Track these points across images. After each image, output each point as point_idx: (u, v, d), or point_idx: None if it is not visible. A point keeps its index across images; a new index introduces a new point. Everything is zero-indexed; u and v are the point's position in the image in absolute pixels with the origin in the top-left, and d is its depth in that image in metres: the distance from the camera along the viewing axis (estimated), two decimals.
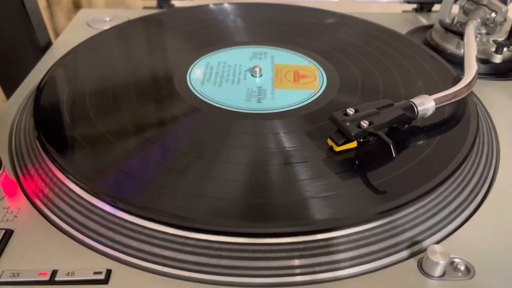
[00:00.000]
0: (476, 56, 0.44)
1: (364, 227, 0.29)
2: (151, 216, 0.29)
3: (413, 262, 0.29)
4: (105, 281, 0.27)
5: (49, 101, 0.41)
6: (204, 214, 0.29)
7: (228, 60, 0.49)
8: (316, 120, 0.39)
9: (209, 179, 0.32)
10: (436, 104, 0.36)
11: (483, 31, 0.52)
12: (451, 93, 0.38)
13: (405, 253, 0.30)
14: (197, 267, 0.28)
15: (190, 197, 0.31)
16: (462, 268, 0.28)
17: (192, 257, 0.28)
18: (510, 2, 0.52)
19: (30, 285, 0.27)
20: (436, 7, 0.68)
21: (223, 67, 0.47)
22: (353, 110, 0.35)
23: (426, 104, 0.36)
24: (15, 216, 0.32)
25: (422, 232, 0.31)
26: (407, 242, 0.30)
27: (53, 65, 0.47)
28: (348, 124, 0.34)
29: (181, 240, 0.29)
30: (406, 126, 0.37)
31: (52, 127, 0.37)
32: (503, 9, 0.49)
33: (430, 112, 0.36)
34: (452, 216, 0.32)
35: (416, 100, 0.36)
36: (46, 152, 0.34)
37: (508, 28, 0.49)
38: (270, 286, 0.28)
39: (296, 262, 0.28)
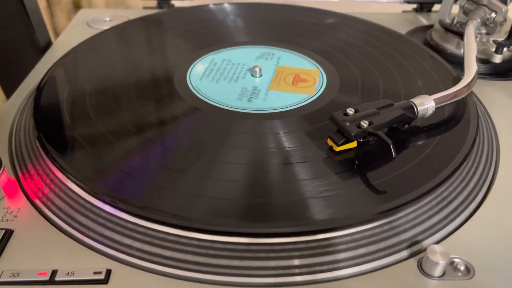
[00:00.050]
0: (476, 56, 0.44)
1: (364, 227, 0.29)
2: (151, 216, 0.29)
3: (413, 262, 0.29)
4: (105, 281, 0.27)
5: (49, 101, 0.41)
6: (204, 214, 0.29)
7: (234, 59, 0.49)
8: (316, 120, 0.39)
9: (209, 179, 0.32)
10: (436, 104, 0.36)
11: (483, 31, 0.52)
12: (451, 93, 0.38)
13: (405, 253, 0.30)
14: (197, 267, 0.28)
15: (190, 197, 0.31)
16: (462, 268, 0.28)
17: (192, 257, 0.28)
18: (510, 2, 0.52)
19: (30, 285, 0.27)
20: (436, 7, 0.68)
21: (226, 65, 0.47)
22: (353, 110, 0.35)
23: (426, 104, 0.36)
24: (15, 216, 0.32)
25: (422, 232, 0.31)
26: (407, 242, 0.30)
27: (53, 65, 0.47)
28: (348, 124, 0.34)
29: (181, 240, 0.29)
30: (406, 126, 0.37)
31: (52, 127, 0.37)
32: (503, 9, 0.49)
33: (430, 112, 0.36)
34: (452, 216, 0.32)
35: (416, 100, 0.36)
36: (46, 152, 0.34)
37: (508, 28, 0.49)
38: (270, 286, 0.28)
39: (296, 262, 0.28)
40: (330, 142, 0.35)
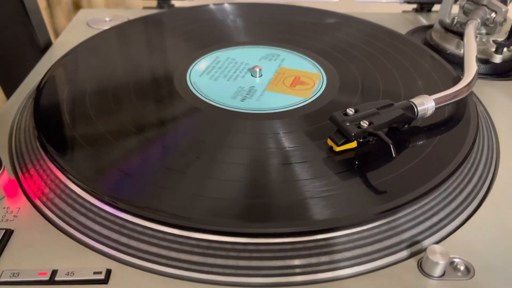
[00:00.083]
0: (476, 56, 0.44)
1: (364, 227, 0.29)
2: (151, 216, 0.29)
3: (413, 262, 0.29)
4: (105, 281, 0.27)
5: (49, 101, 0.41)
6: (204, 214, 0.29)
7: (238, 57, 0.49)
8: (316, 120, 0.39)
9: (209, 179, 0.32)
10: (436, 104, 0.36)
11: (483, 31, 0.52)
12: (451, 93, 0.38)
13: (405, 253, 0.30)
14: (197, 267, 0.28)
15: (190, 197, 0.31)
16: (462, 268, 0.28)
17: (192, 257, 0.28)
18: (510, 2, 0.52)
19: (30, 285, 0.27)
20: (436, 7, 0.68)
21: (229, 63, 0.47)
22: (353, 110, 0.35)
23: (426, 104, 0.36)
24: (15, 216, 0.32)
25: (422, 232, 0.31)
26: (407, 242, 0.30)
27: (53, 65, 0.47)
28: (348, 124, 0.34)
29: (181, 240, 0.29)
30: (406, 126, 0.37)
31: (52, 127, 0.37)
32: (503, 9, 0.49)
33: (430, 112, 0.36)
34: (452, 216, 0.32)
35: (416, 100, 0.36)
36: (46, 152, 0.34)
37: (508, 28, 0.49)
38: (270, 286, 0.28)
39: (296, 262, 0.28)
40: (330, 142, 0.35)
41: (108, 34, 0.54)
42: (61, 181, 0.33)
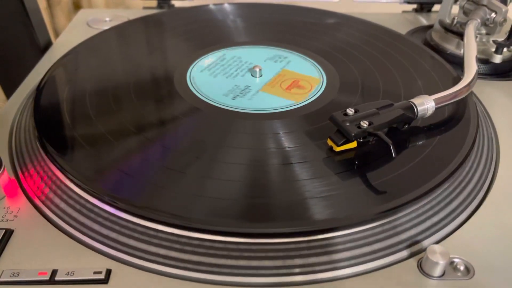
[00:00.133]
0: (476, 56, 0.44)
1: (364, 227, 0.29)
2: (151, 216, 0.29)
3: (412, 262, 0.29)
4: (105, 281, 0.27)
5: (49, 101, 0.41)
6: (204, 214, 0.30)
7: (244, 56, 0.49)
8: (316, 120, 0.39)
9: (209, 179, 0.32)
10: (436, 104, 0.36)
11: (483, 31, 0.52)
12: (451, 93, 0.38)
13: (404, 253, 0.30)
14: (197, 267, 0.28)
15: (190, 197, 0.31)
16: (462, 268, 0.28)
17: (192, 257, 0.28)
18: (510, 2, 0.52)
19: (30, 284, 0.27)
20: (436, 7, 0.68)
21: (233, 62, 0.48)
22: (353, 110, 0.35)
23: (426, 104, 0.36)
24: (15, 216, 0.32)
25: (421, 232, 0.31)
26: (407, 242, 0.30)
27: (53, 65, 0.47)
28: (348, 124, 0.34)
29: (181, 240, 0.29)
30: (406, 126, 0.37)
31: (52, 127, 0.37)
32: (503, 9, 0.49)
33: (430, 112, 0.36)
34: (452, 216, 0.32)
35: (416, 100, 0.36)
36: (46, 152, 0.34)
37: (508, 28, 0.49)
38: (270, 286, 0.28)
39: (296, 261, 0.28)
40: (330, 142, 0.35)
41: (108, 34, 0.54)
42: (61, 181, 0.33)
